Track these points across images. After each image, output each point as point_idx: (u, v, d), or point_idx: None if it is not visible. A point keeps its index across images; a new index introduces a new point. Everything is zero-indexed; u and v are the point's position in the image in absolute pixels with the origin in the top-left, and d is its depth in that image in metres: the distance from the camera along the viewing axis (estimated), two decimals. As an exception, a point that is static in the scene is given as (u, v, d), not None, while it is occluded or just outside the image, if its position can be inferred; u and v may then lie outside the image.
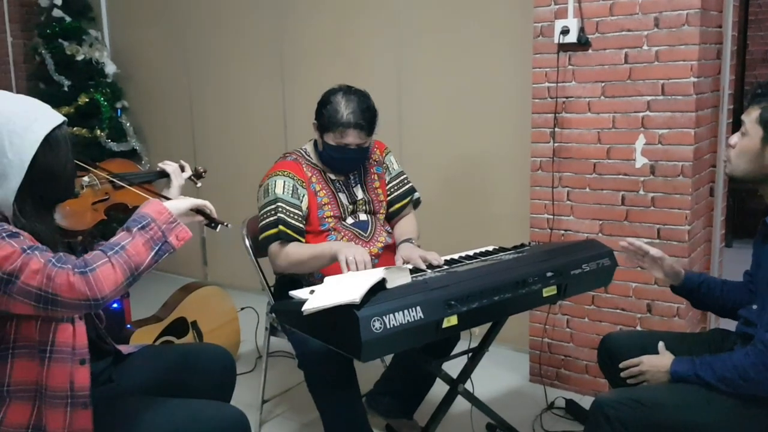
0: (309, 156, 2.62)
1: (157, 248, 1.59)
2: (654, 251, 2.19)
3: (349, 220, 2.59)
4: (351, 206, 2.59)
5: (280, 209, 2.46)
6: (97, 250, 1.55)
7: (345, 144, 2.47)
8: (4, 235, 1.48)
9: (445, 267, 2.26)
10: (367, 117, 2.47)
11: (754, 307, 1.98)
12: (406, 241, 2.59)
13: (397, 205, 2.72)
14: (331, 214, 2.55)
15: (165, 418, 1.76)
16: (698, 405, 1.83)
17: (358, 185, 2.65)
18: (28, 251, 1.48)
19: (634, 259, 2.25)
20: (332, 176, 2.60)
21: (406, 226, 2.71)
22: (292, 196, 2.49)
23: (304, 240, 2.49)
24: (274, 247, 2.48)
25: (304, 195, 2.52)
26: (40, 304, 1.48)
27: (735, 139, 1.93)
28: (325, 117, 2.48)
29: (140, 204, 2.07)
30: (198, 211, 1.78)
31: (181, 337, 3.30)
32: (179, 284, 3.54)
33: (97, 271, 1.49)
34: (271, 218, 2.47)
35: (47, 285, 1.46)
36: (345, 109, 2.44)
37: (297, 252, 2.45)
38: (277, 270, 2.60)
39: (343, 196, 2.59)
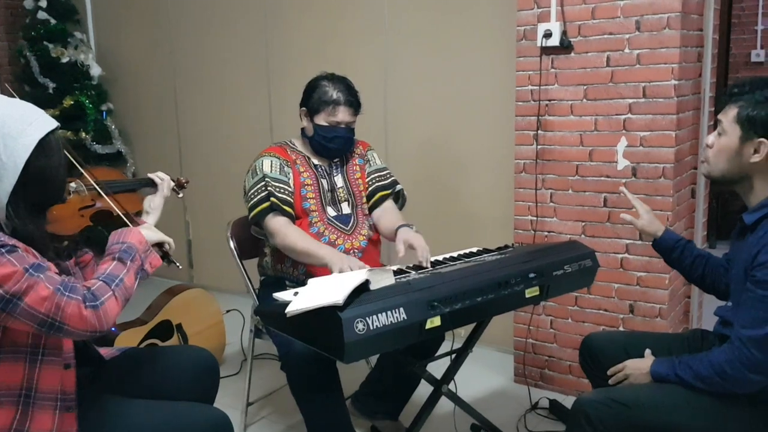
0: (294, 144, 2.71)
1: (139, 276, 1.74)
2: (636, 204, 2.28)
3: (331, 212, 2.62)
4: (330, 194, 2.64)
5: (269, 184, 2.54)
6: (99, 282, 1.62)
7: (337, 122, 2.57)
8: (3, 251, 1.48)
9: (429, 268, 2.28)
10: (354, 95, 2.61)
11: (729, 303, 2.01)
12: (406, 225, 2.57)
13: (379, 195, 2.75)
14: (313, 195, 2.61)
15: (148, 421, 1.76)
16: (678, 405, 1.85)
17: (339, 174, 2.70)
18: (32, 271, 1.50)
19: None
20: (315, 161, 2.67)
21: (394, 215, 2.71)
22: (279, 174, 2.58)
23: (294, 213, 2.54)
24: (270, 220, 2.52)
25: (290, 173, 2.60)
26: (43, 328, 1.52)
27: (711, 138, 1.94)
28: (314, 99, 2.59)
29: (124, 211, 2.06)
30: (159, 246, 1.89)
31: (166, 339, 3.30)
32: (164, 287, 3.54)
33: (105, 305, 1.58)
34: (262, 194, 2.53)
35: (56, 314, 1.51)
36: (334, 90, 2.58)
37: (294, 238, 2.47)
38: (274, 245, 2.59)
39: (324, 182, 2.65)
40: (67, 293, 1.52)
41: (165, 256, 1.91)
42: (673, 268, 2.30)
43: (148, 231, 1.86)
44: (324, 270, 2.32)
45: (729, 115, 1.87)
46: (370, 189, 2.75)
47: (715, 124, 1.99)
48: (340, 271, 2.22)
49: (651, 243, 2.30)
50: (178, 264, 1.97)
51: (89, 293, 1.56)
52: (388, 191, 2.76)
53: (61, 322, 1.51)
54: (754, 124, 1.82)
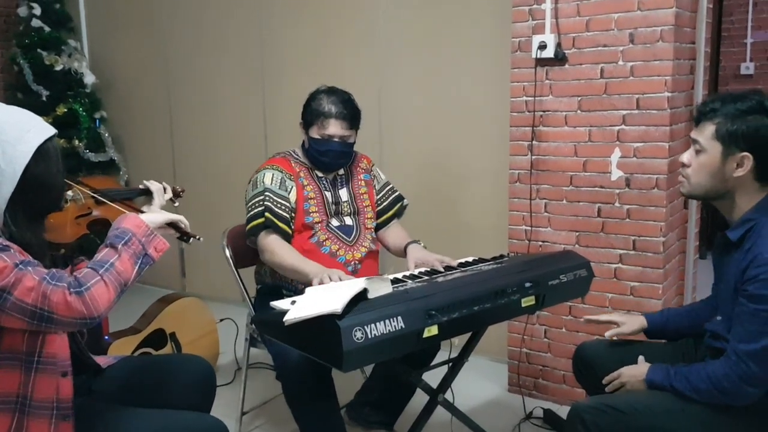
0: (297, 155, 2.70)
1: (139, 262, 1.66)
2: (608, 318, 2.31)
3: (335, 223, 2.63)
4: (335, 206, 2.64)
5: (267, 198, 2.53)
6: (87, 269, 1.58)
7: (328, 135, 2.55)
8: None
9: (426, 277, 2.28)
10: (349, 108, 2.58)
11: (719, 318, 2.02)
12: (414, 242, 2.65)
13: (386, 216, 2.79)
14: (316, 209, 2.60)
15: (145, 429, 1.76)
16: (673, 412, 1.86)
17: (344, 188, 2.69)
18: (21, 266, 1.49)
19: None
20: (319, 174, 2.66)
21: (401, 232, 2.78)
22: (279, 188, 2.56)
23: (291, 230, 2.54)
24: (263, 237, 2.53)
25: (292, 187, 2.58)
26: (35, 321, 1.50)
27: (687, 157, 1.94)
28: (308, 112, 2.59)
29: (126, 207, 2.05)
30: (171, 225, 1.84)
31: (160, 348, 3.28)
32: (157, 296, 3.52)
33: (92, 290, 1.53)
34: (259, 208, 2.53)
35: (43, 303, 1.49)
36: (327, 102, 2.56)
37: (282, 255, 2.48)
38: (263, 261, 2.61)
39: (328, 195, 2.64)
40: (53, 282, 1.50)
41: (183, 234, 1.87)
42: (681, 338, 2.23)
43: (150, 214, 1.80)
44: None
45: (706, 133, 1.87)
46: (378, 209, 2.77)
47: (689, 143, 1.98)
48: (320, 283, 2.22)
49: (647, 336, 2.29)
50: (198, 237, 1.92)
51: (74, 280, 1.53)
52: (394, 209, 2.80)
53: (49, 312, 1.49)
54: (736, 139, 1.83)
